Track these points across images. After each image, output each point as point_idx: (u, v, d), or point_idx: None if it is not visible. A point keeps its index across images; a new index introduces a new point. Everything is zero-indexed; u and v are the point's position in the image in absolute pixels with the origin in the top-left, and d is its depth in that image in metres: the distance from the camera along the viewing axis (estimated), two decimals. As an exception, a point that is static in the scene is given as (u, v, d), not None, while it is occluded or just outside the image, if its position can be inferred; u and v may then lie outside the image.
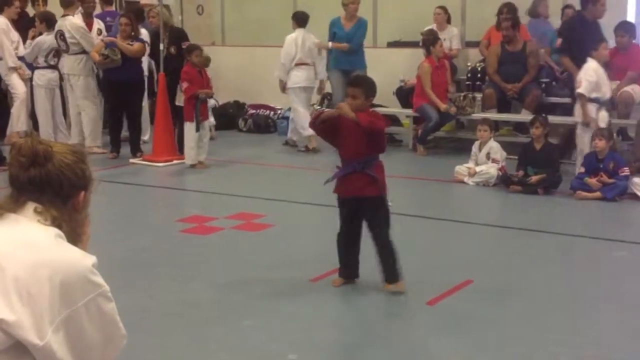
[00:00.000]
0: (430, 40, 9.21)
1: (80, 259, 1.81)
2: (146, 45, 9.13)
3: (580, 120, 7.39)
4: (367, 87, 4.44)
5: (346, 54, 9.39)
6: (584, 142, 7.35)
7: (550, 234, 5.82)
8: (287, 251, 5.38)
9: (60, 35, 9.04)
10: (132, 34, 8.77)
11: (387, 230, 4.42)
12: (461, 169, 7.66)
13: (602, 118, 7.36)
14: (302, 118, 9.34)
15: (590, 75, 7.29)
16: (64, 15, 9.16)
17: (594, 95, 7.31)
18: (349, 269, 4.60)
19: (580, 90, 7.29)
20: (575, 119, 7.56)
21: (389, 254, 4.40)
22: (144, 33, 9.41)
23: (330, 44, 9.42)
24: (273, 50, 11.83)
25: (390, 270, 4.41)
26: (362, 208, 4.44)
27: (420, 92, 9.23)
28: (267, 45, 11.80)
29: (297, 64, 9.44)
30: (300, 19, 9.59)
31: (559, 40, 8.18)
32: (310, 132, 9.33)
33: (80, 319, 1.77)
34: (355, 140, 4.34)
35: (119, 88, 8.72)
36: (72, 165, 1.90)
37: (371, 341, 3.89)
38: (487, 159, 7.57)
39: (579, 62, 7.58)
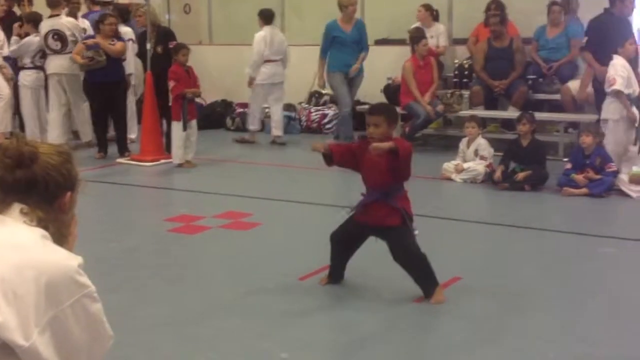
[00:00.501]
0: (414, 39, 9.23)
1: (66, 260, 1.80)
2: (131, 42, 9.11)
3: (614, 118, 7.17)
4: (389, 114, 4.35)
5: (348, 55, 9.33)
6: (616, 140, 7.15)
7: (538, 230, 5.85)
8: (275, 250, 5.38)
9: (54, 35, 9.01)
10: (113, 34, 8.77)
11: (412, 248, 4.31)
12: (449, 166, 7.69)
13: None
14: (254, 114, 9.92)
15: (622, 71, 7.16)
16: (53, 16, 9.14)
17: (625, 91, 7.17)
18: (338, 271, 4.60)
19: (616, 87, 7.11)
20: (606, 116, 7.29)
21: (418, 265, 4.31)
22: (129, 31, 9.38)
23: (356, 66, 9.39)
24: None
25: (424, 284, 4.33)
26: (382, 236, 4.37)
27: (405, 91, 9.24)
28: (254, 44, 11.79)
29: (265, 61, 9.65)
30: (267, 17, 9.75)
31: (585, 38, 8.13)
32: (255, 128, 9.91)
33: (66, 319, 1.76)
34: (380, 170, 4.26)
35: (102, 88, 8.69)
36: (58, 166, 1.89)
37: (361, 339, 3.90)
38: (475, 156, 7.60)
39: (606, 60, 7.47)
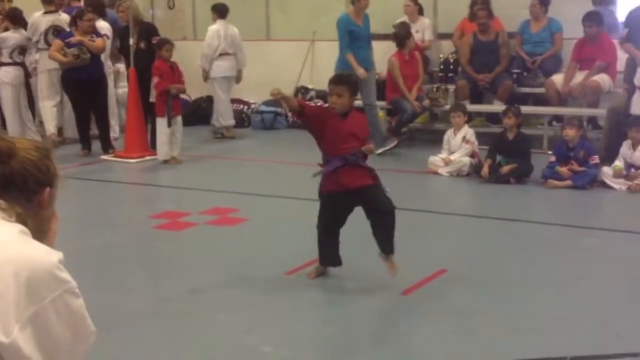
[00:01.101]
0: (403, 36, 9.22)
1: (45, 256, 1.79)
2: (106, 38, 9.11)
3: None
4: (351, 84, 4.40)
5: (363, 51, 8.93)
6: None
7: (522, 222, 5.88)
8: (261, 245, 5.38)
9: (54, 31, 9.04)
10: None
11: (388, 203, 4.35)
12: (435, 159, 7.70)
13: None
14: (222, 108, 9.94)
15: None
16: (50, 12, 9.19)
17: None
18: (333, 256, 4.59)
19: None
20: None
21: (392, 224, 4.36)
22: (105, 26, 9.36)
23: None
24: (245, 44, 11.76)
25: (391, 242, 4.40)
26: (357, 199, 4.36)
27: (392, 86, 9.23)
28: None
29: (220, 54, 9.78)
30: (221, 11, 9.88)
31: (626, 30, 8.09)
32: (229, 122, 9.89)
33: (47, 315, 1.75)
34: (344, 136, 4.29)
35: (81, 86, 8.65)
36: (36, 161, 1.88)
37: (345, 332, 3.91)
38: (462, 142, 7.59)
39: None
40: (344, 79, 4.47)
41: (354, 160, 4.31)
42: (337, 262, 4.61)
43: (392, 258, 4.41)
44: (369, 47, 9.15)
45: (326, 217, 4.49)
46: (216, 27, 9.80)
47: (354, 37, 8.91)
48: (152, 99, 8.49)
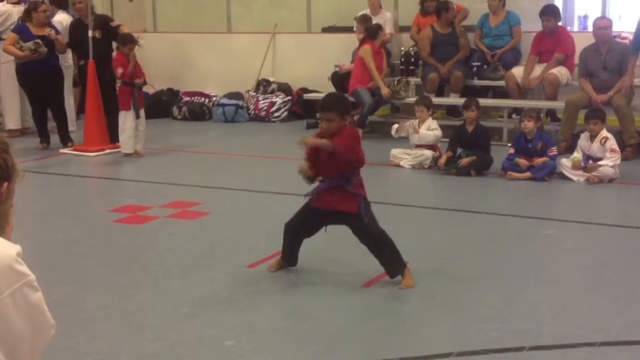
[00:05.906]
0: (375, 28, 9.28)
1: (3, 249, 1.76)
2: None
3: None
4: (340, 107, 4.33)
5: None
6: None
7: (483, 214, 5.95)
8: (223, 238, 5.37)
9: None
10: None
11: (374, 226, 4.35)
12: (397, 152, 7.74)
13: None
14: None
15: None
16: (13, 3, 9.26)
17: None
18: (292, 256, 4.61)
19: None
20: None
21: (383, 246, 4.35)
22: (59, 20, 9.23)
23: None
24: (206, 37, 11.71)
25: (390, 264, 4.37)
26: (338, 221, 4.38)
27: (358, 76, 9.25)
28: (199, 32, 11.69)
29: None
30: (60, 2, 9.63)
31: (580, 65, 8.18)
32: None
33: (6, 309, 1.73)
34: (332, 161, 4.28)
35: (37, 78, 8.50)
36: (-7, 155, 1.85)
37: (307, 325, 3.92)
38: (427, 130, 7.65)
39: None
40: (331, 104, 4.34)
41: (340, 184, 4.31)
42: (294, 263, 4.62)
43: (403, 279, 4.34)
44: None
45: (300, 224, 4.50)
46: (59, 19, 9.41)
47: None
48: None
